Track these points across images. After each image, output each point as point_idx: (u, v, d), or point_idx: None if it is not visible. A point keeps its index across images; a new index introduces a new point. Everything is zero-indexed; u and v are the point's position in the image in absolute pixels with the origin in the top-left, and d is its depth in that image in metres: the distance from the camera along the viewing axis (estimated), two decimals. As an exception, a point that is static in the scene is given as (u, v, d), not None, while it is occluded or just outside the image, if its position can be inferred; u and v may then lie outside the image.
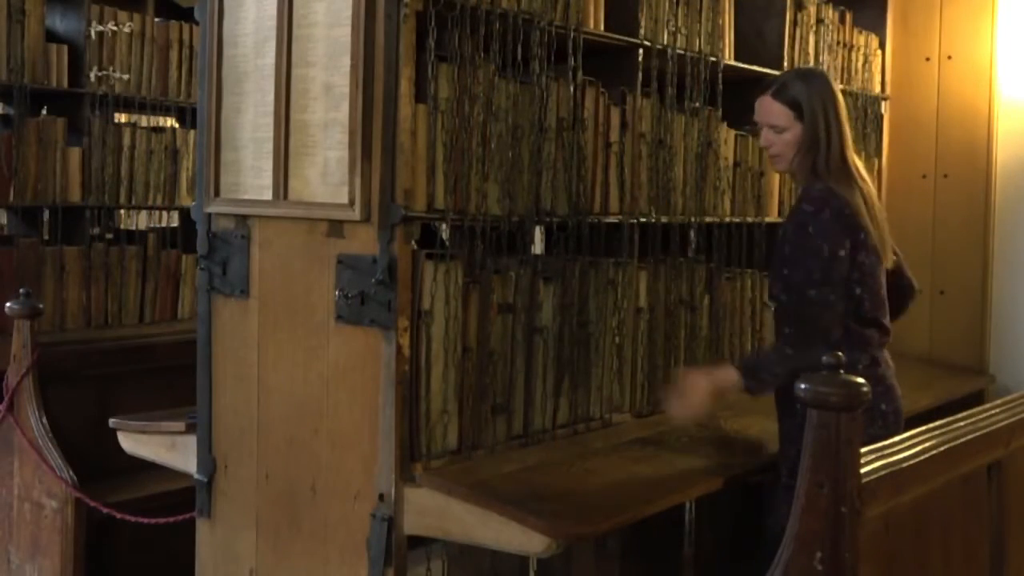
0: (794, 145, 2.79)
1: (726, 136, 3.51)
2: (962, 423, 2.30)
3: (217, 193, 2.82)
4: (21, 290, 3.51)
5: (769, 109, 2.82)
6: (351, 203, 2.48)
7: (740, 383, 2.74)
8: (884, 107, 4.66)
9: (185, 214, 4.39)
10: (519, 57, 2.68)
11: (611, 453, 2.83)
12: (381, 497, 2.47)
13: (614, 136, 3.04)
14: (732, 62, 3.53)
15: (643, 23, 3.12)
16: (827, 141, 2.78)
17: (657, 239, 3.24)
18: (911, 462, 1.99)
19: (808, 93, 2.78)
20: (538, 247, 3.01)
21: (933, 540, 2.13)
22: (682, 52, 3.26)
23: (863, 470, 1.81)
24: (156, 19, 4.80)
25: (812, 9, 4.01)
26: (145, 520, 3.18)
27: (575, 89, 2.86)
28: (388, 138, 2.44)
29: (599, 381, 3.00)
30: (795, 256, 2.72)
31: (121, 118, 4.79)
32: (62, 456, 3.38)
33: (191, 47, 4.82)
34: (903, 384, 2.89)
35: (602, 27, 3.02)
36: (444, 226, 2.63)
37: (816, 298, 2.68)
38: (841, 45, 4.26)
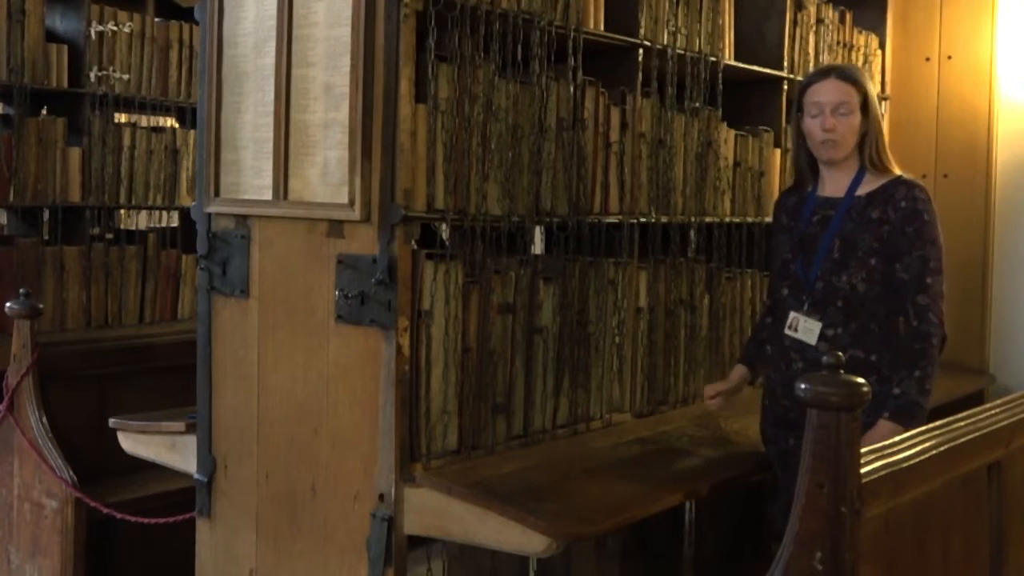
0: (855, 132, 2.75)
1: (726, 136, 3.51)
2: (962, 423, 2.29)
3: (217, 193, 2.82)
4: (21, 290, 3.51)
5: (839, 88, 2.74)
6: (351, 203, 2.48)
7: (897, 431, 2.42)
8: (884, 107, 4.65)
9: (185, 214, 4.39)
10: (519, 57, 2.68)
11: (611, 453, 2.83)
12: (381, 497, 2.47)
13: (614, 136, 3.04)
14: (732, 62, 3.53)
15: (643, 23, 3.12)
16: (880, 130, 2.79)
17: (657, 239, 3.24)
18: (911, 462, 1.99)
19: (866, 82, 2.79)
20: (538, 247, 3.01)
21: (933, 540, 2.12)
22: (682, 52, 3.25)
23: (863, 470, 1.81)
24: (156, 19, 4.80)
25: (812, 9, 4.01)
26: (145, 520, 3.18)
27: (575, 89, 2.86)
28: (388, 138, 2.44)
29: (599, 381, 3.00)
30: (913, 243, 2.73)
31: (121, 118, 4.79)
32: (62, 456, 3.38)
33: (191, 47, 4.82)
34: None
35: (602, 27, 3.02)
36: (444, 226, 2.63)
37: (934, 287, 2.74)
38: (841, 45, 4.26)
